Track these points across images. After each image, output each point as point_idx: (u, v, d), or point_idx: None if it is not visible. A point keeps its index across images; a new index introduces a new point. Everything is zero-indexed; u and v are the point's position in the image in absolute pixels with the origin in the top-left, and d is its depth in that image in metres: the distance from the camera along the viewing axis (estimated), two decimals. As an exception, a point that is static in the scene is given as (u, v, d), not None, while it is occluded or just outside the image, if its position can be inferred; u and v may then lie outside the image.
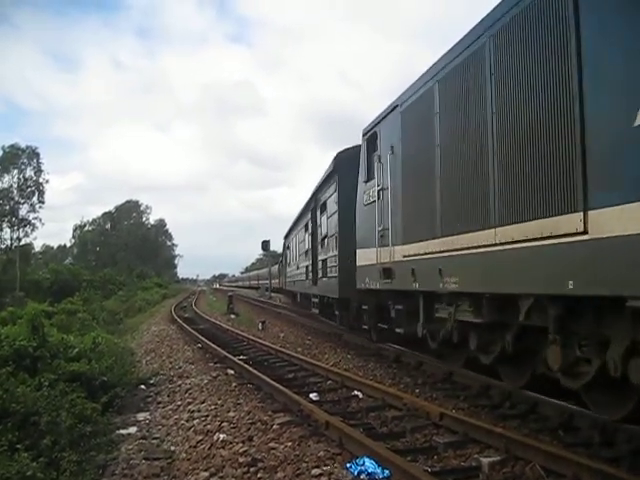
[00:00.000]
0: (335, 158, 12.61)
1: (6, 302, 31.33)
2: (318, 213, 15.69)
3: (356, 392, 7.26)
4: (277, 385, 7.38)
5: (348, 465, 4.48)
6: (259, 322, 17.84)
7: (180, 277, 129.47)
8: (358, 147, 10.73)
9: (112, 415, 6.85)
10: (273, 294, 37.53)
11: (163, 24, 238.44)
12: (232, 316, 22.92)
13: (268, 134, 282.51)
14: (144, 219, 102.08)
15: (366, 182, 9.68)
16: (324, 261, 14.16)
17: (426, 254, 7.03)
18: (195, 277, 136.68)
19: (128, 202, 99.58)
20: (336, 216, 12.41)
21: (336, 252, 12.32)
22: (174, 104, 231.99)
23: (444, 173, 6.65)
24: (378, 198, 8.76)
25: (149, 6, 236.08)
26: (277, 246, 41.28)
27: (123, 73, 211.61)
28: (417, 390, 7.44)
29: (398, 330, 8.72)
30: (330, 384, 8.01)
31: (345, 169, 11.72)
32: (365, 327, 10.85)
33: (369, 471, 4.28)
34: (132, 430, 6.34)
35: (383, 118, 8.96)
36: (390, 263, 8.27)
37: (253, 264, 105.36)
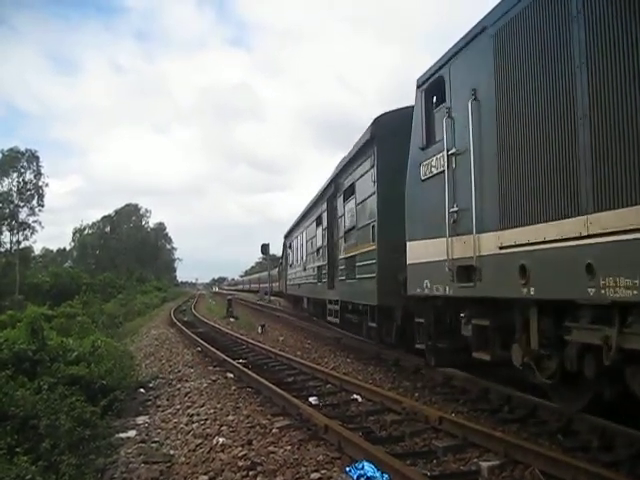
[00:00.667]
0: (373, 123, 9.72)
1: (5, 305, 31.38)
2: (340, 201, 12.80)
3: (355, 396, 7.26)
4: (276, 389, 7.37)
5: (347, 469, 4.48)
6: (259, 326, 17.82)
7: (179, 280, 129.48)
8: (404, 109, 8.67)
9: (111, 418, 6.86)
10: (273, 298, 37.47)
11: (162, 27, 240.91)
12: (231, 320, 22.91)
13: (267, 137, 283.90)
14: (144, 222, 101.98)
15: (424, 149, 7.06)
16: (350, 259, 11.38)
17: (554, 242, 4.60)
18: (194, 280, 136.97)
19: (128, 205, 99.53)
20: (373, 200, 9.68)
21: (373, 246, 9.58)
22: (173, 107, 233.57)
23: (600, 107, 4.17)
24: (448, 167, 6.27)
25: (148, 9, 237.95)
26: (276, 250, 41.26)
27: (122, 76, 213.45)
28: (416, 394, 7.44)
29: (478, 355, 6.10)
30: (329, 388, 8.02)
31: (387, 137, 9.25)
32: (419, 346, 7.82)
33: (368, 475, 4.28)
34: (131, 434, 6.33)
35: (456, 54, 6.42)
36: (473, 258, 5.73)
37: (253, 267, 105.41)
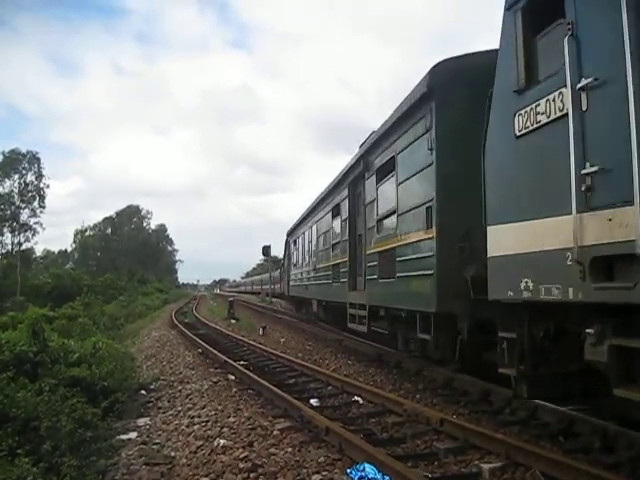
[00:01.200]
0: (432, 72, 7.29)
1: (7, 307, 31.34)
2: (370, 182, 10.41)
3: (356, 398, 7.27)
4: (277, 391, 7.38)
5: (348, 471, 4.49)
6: (260, 327, 17.83)
7: (181, 282, 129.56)
8: (470, 56, 7.31)
9: (112, 420, 6.85)
10: (274, 299, 37.44)
11: (163, 30, 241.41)
12: (233, 321, 22.92)
13: (268, 139, 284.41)
14: (145, 224, 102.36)
15: (522, 91, 5.02)
16: (387, 253, 9.09)
17: None
18: (196, 282, 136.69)
19: (129, 207, 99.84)
20: (428, 173, 7.38)
21: (430, 234, 7.27)
22: (174, 109, 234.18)
23: None
24: (574, 109, 4.23)
25: (150, 12, 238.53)
26: (277, 251, 41.27)
27: (123, 78, 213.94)
28: (418, 396, 7.45)
29: (629, 394, 3.92)
30: (331, 390, 8.02)
31: (451, 90, 7.10)
32: (504, 371, 5.56)
33: (369, 477, 4.28)
34: (132, 435, 6.33)
35: None
36: (634, 243, 3.67)
37: (254, 269, 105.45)
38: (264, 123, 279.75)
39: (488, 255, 5.51)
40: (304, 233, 19.71)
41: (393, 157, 8.96)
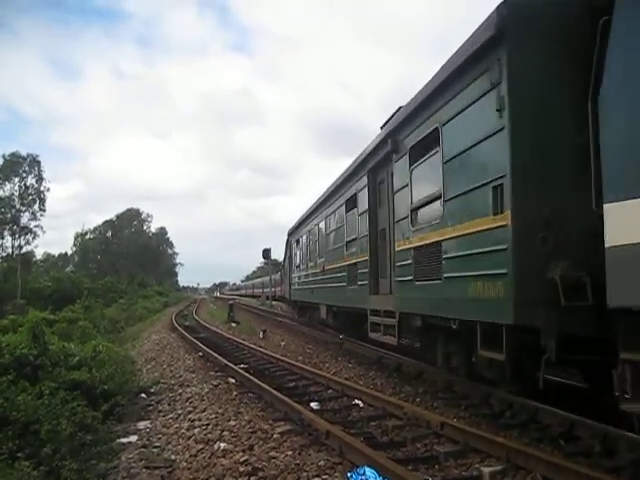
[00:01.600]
0: (501, 9, 5.38)
1: (7, 310, 31.33)
2: (400, 165, 8.46)
3: (357, 401, 7.26)
4: (278, 394, 7.37)
5: (349, 474, 4.48)
6: (260, 331, 17.83)
7: (181, 285, 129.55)
8: None
9: (113, 423, 6.86)
10: (274, 303, 37.42)
11: (163, 33, 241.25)
12: (233, 324, 22.91)
13: (268, 142, 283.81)
14: (145, 227, 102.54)
15: None
16: (427, 248, 7.26)
17: None
18: (196, 285, 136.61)
19: (129, 210, 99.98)
20: (496, 143, 5.54)
21: (501, 221, 5.40)
22: (174, 112, 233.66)
23: None
24: None
25: (150, 15, 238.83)
26: (277, 254, 41.25)
27: (123, 81, 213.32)
28: (418, 399, 7.44)
29: None
30: (331, 393, 8.00)
31: (530, 31, 5.34)
32: (631, 408, 4.24)
33: (370, 480, 4.28)
34: (133, 439, 6.34)
35: None
36: None
37: (254, 272, 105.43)
38: (264, 126, 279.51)
39: (607, 244, 4.12)
40: (309, 231, 17.77)
41: (436, 129, 7.04)
